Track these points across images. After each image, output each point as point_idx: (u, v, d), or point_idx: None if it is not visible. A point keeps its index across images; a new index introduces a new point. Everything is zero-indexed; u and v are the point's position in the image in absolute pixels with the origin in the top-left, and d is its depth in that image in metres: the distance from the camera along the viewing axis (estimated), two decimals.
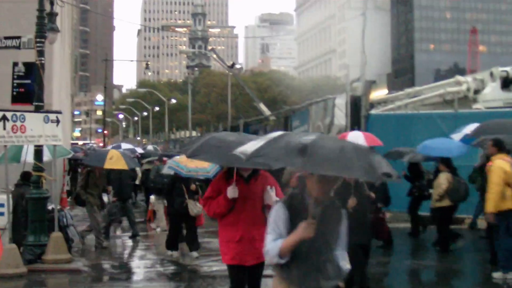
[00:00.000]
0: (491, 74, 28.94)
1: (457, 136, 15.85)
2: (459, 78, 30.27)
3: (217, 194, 7.71)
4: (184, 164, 13.82)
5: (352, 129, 19.97)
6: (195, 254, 14.72)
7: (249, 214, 7.62)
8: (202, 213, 14.52)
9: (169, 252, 14.98)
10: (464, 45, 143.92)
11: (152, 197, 20.45)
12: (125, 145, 31.20)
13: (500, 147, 11.70)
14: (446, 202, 14.72)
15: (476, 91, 28.81)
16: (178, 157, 15.14)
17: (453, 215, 15.50)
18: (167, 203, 16.09)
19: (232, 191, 7.55)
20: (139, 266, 14.42)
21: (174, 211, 14.95)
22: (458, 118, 19.25)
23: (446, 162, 14.87)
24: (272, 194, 7.55)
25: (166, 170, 15.50)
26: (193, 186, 14.69)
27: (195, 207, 14.44)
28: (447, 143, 15.65)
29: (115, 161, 15.58)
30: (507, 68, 29.27)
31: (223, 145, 7.23)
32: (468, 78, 30.13)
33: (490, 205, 11.34)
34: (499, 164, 11.40)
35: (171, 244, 15.05)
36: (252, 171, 7.69)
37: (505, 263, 11.57)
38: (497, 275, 11.70)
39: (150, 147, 39.77)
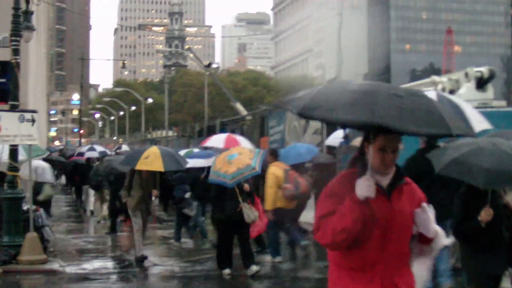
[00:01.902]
0: (466, 75, 29.18)
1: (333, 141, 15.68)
2: (435, 78, 30.50)
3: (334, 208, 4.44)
4: (223, 171, 12.00)
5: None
6: (254, 268, 12.41)
7: (393, 249, 4.48)
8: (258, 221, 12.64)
9: (224, 271, 12.51)
10: (439, 45, 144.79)
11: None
12: (98, 147, 29.06)
13: (275, 155, 14.10)
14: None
15: (451, 91, 29.01)
16: (214, 159, 13.15)
17: None
18: (214, 208, 12.96)
19: (365, 186, 4.31)
20: (115, 267, 14.36)
21: (224, 218, 12.40)
22: None
23: (298, 167, 14.70)
24: (430, 217, 4.54)
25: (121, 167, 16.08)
26: (246, 187, 12.39)
27: (251, 213, 12.20)
28: (298, 149, 16.16)
29: (150, 161, 13.68)
30: (482, 69, 29.52)
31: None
32: (444, 79, 30.36)
33: (268, 204, 13.57)
34: (273, 171, 13.60)
35: (224, 259, 12.58)
36: (394, 178, 4.54)
37: (273, 250, 14.06)
38: (267, 258, 13.99)
39: (125, 147, 39.68)
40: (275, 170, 13.61)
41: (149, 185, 14.27)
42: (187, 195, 17.14)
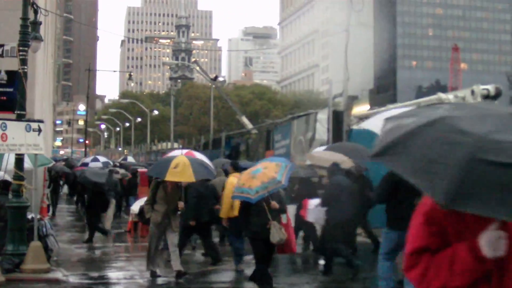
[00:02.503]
0: (472, 92, 29.12)
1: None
2: (441, 95, 30.45)
3: (440, 242, 3.42)
4: (247, 186, 11.26)
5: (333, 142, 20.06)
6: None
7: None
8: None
9: None
10: (446, 62, 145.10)
11: (133, 208, 20.34)
12: (102, 158, 31.67)
13: (236, 167, 14.95)
14: None
15: None
16: (238, 177, 12.23)
17: None
18: (246, 223, 11.84)
19: (496, 243, 3.25)
20: (119, 277, 14.34)
21: (250, 235, 11.77)
22: None
23: None
24: None
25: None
26: (273, 204, 11.37)
27: (279, 233, 11.16)
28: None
29: (179, 171, 12.70)
30: (488, 86, 29.45)
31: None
32: (450, 96, 30.31)
33: (223, 213, 14.21)
34: (231, 181, 13.92)
35: (262, 279, 11.68)
36: None
37: (236, 258, 14.59)
38: (237, 267, 14.51)
39: (130, 158, 41.16)
40: (234, 181, 13.41)
41: (174, 198, 13.17)
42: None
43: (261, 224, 11.22)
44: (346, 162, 14.80)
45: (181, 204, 13.25)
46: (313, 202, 14.34)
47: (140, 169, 26.26)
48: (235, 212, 13.27)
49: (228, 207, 13.82)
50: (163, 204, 13.06)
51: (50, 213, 22.88)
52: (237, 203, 13.07)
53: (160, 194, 13.12)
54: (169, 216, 13.09)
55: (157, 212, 13.05)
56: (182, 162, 12.84)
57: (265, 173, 11.33)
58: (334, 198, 13.26)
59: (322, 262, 14.52)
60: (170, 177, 12.68)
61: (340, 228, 13.35)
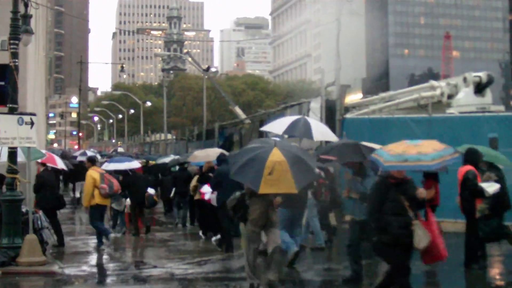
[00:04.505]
0: (465, 80, 29.23)
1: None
2: (433, 83, 30.55)
3: None
4: (415, 152, 9.24)
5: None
6: None
7: None
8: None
9: None
10: (438, 50, 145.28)
11: (128, 200, 20.31)
12: (89, 152, 34.19)
13: (93, 162, 17.24)
14: None
15: (450, 96, 29.08)
16: (379, 150, 10.20)
17: None
18: (375, 226, 9.56)
19: None
20: (114, 269, 14.36)
21: (387, 241, 9.30)
22: (432, 122, 19.40)
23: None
24: None
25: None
26: (421, 192, 9.33)
27: (425, 237, 9.10)
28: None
29: (276, 178, 10.16)
30: (480, 74, 29.57)
31: None
32: (442, 83, 30.41)
33: (85, 201, 16.40)
34: (90, 173, 16.43)
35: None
36: None
37: (100, 236, 16.79)
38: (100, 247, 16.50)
39: (120, 149, 42.95)
40: (93, 173, 16.51)
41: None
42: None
43: (402, 225, 9.13)
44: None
45: (277, 200, 11.33)
46: (208, 188, 16.88)
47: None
48: (96, 200, 16.18)
49: (90, 196, 16.23)
50: (258, 200, 11.07)
51: None
52: (97, 192, 16.12)
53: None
54: (268, 213, 11.19)
55: (253, 210, 11.15)
56: (279, 165, 10.21)
57: (430, 143, 9.62)
58: (219, 184, 15.24)
59: (216, 237, 16.38)
60: (265, 188, 10.24)
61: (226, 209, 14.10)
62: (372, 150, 11.73)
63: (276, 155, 10.33)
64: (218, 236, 16.29)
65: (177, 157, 26.07)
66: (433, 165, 9.22)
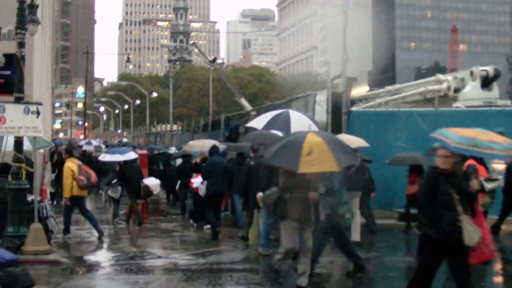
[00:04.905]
0: (471, 73, 29.20)
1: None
2: (440, 76, 30.52)
3: None
4: (487, 139, 8.80)
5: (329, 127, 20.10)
6: None
7: None
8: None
9: None
10: (445, 44, 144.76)
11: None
12: (94, 142, 35.76)
13: (70, 153, 17.34)
14: None
15: (457, 90, 29.07)
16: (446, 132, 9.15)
17: None
18: (422, 218, 8.89)
19: None
20: (119, 258, 14.39)
21: (436, 236, 8.54)
22: (439, 116, 19.39)
23: None
24: None
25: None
26: (474, 183, 8.83)
27: (475, 233, 8.42)
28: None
29: (316, 158, 9.78)
30: (487, 68, 29.54)
31: None
32: (449, 77, 30.39)
33: (66, 193, 16.52)
34: (69, 165, 16.53)
35: None
36: None
37: (67, 227, 16.78)
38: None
39: (125, 139, 43.91)
40: (71, 165, 16.59)
41: (309, 184, 10.76)
42: (114, 181, 20.00)
43: (451, 221, 8.41)
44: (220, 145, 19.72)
45: (313, 194, 10.81)
46: (198, 179, 17.72)
47: (140, 151, 26.37)
48: (74, 192, 16.27)
49: (70, 188, 16.35)
50: (296, 190, 10.68)
51: (53, 201, 22.82)
52: (75, 184, 16.18)
53: (290, 180, 10.66)
54: (307, 207, 10.76)
55: (291, 202, 10.71)
56: (317, 146, 9.93)
57: (498, 135, 9.24)
58: (210, 174, 16.53)
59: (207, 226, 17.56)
60: (305, 167, 9.83)
61: (214, 198, 16.79)
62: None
63: (312, 137, 10.09)
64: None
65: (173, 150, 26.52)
66: (504, 156, 8.84)
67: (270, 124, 15.84)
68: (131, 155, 20.65)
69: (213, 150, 17.50)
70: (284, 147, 10.21)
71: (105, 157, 21.56)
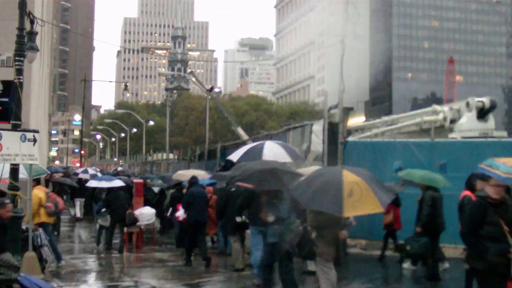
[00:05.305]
0: (468, 104, 29.30)
1: None
2: (436, 107, 30.64)
3: None
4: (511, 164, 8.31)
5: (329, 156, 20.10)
6: None
7: None
8: None
9: None
10: (441, 74, 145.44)
11: None
12: (91, 170, 35.71)
13: (38, 182, 17.64)
14: None
15: (453, 121, 29.15)
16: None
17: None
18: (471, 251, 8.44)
19: None
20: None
21: (487, 268, 8.13)
22: (434, 147, 19.39)
23: None
24: None
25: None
26: None
27: None
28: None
29: (357, 199, 9.12)
30: (483, 99, 29.66)
31: None
32: (445, 108, 30.49)
33: (34, 220, 15.55)
34: (36, 192, 16.15)
35: None
36: None
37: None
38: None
39: (120, 168, 44.76)
40: (38, 192, 16.50)
41: (339, 221, 10.23)
42: (103, 210, 20.62)
43: (500, 253, 7.98)
44: (202, 175, 21.16)
45: (342, 234, 10.48)
46: (181, 210, 18.50)
47: (135, 180, 26.36)
48: (42, 219, 16.14)
49: (38, 215, 16.16)
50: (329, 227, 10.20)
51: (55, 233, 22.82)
52: (42, 211, 16.10)
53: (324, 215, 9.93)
54: (337, 241, 10.39)
55: (323, 238, 10.23)
56: (357, 185, 9.28)
57: None
58: (190, 204, 17.21)
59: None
60: (349, 211, 9.21)
61: (195, 227, 17.22)
62: (288, 171, 11.98)
63: (350, 176, 9.39)
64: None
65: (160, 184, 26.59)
66: (507, 177, 8.22)
67: (244, 156, 16.27)
68: (117, 183, 21.12)
69: (192, 181, 17.96)
70: (322, 189, 9.36)
71: (91, 183, 22.94)
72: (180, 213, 18.57)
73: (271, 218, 11.56)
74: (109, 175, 26.31)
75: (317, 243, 9.97)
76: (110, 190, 20.76)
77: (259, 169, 12.06)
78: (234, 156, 17.15)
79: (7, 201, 10.68)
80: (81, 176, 33.51)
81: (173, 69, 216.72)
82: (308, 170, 15.93)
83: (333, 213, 9.34)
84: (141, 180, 25.38)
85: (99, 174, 34.63)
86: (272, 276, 12.30)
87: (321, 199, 9.21)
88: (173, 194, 22.54)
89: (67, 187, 28.40)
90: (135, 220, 20.31)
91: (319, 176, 9.73)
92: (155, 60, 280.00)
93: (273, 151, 15.91)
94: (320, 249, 10.00)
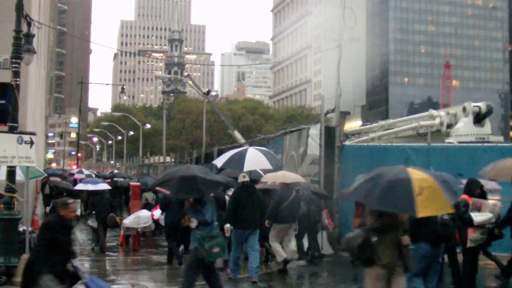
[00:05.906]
0: (464, 109, 29.32)
1: None
2: (433, 112, 30.65)
3: None
4: None
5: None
6: None
7: None
8: None
9: None
10: (437, 79, 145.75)
11: (125, 221, 20.56)
12: (85, 171, 36.78)
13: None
14: None
15: (449, 125, 29.17)
16: None
17: None
18: None
19: None
20: None
21: None
22: (431, 151, 19.43)
23: None
24: None
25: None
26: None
27: None
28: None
29: (426, 198, 8.06)
30: (480, 104, 29.67)
31: None
32: (441, 112, 30.51)
33: None
34: None
35: None
36: None
37: None
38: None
39: (116, 171, 45.33)
40: None
41: (402, 225, 9.07)
42: (93, 212, 21.00)
43: None
44: None
45: (406, 238, 9.18)
46: (158, 211, 19.70)
47: (132, 183, 26.38)
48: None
49: None
50: (386, 247, 8.95)
51: None
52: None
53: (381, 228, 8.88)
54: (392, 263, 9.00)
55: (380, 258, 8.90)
56: (425, 183, 8.34)
57: None
58: (167, 206, 17.93)
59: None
60: (423, 211, 8.15)
61: (172, 229, 17.71)
62: (210, 180, 12.18)
63: (417, 173, 8.48)
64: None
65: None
66: None
67: (227, 163, 16.83)
68: (102, 186, 21.91)
69: None
70: (391, 189, 8.34)
71: (78, 186, 24.11)
72: (157, 213, 19.90)
73: (193, 224, 11.77)
74: (96, 178, 26.77)
75: (377, 247, 8.87)
76: (93, 193, 21.54)
77: (179, 176, 12.25)
78: (219, 162, 17.52)
79: (70, 201, 10.60)
80: (76, 176, 34.04)
81: (169, 72, 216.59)
82: (268, 176, 17.20)
83: (407, 214, 8.67)
84: (138, 183, 25.42)
85: (94, 175, 34.95)
86: (194, 279, 12.34)
87: (389, 199, 8.33)
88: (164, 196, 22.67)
89: (64, 190, 28.37)
90: (115, 223, 20.87)
91: (382, 175, 8.69)
92: (152, 63, 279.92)
93: (254, 158, 16.46)
94: (379, 255, 8.84)
